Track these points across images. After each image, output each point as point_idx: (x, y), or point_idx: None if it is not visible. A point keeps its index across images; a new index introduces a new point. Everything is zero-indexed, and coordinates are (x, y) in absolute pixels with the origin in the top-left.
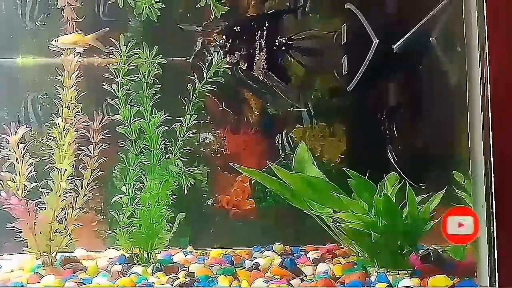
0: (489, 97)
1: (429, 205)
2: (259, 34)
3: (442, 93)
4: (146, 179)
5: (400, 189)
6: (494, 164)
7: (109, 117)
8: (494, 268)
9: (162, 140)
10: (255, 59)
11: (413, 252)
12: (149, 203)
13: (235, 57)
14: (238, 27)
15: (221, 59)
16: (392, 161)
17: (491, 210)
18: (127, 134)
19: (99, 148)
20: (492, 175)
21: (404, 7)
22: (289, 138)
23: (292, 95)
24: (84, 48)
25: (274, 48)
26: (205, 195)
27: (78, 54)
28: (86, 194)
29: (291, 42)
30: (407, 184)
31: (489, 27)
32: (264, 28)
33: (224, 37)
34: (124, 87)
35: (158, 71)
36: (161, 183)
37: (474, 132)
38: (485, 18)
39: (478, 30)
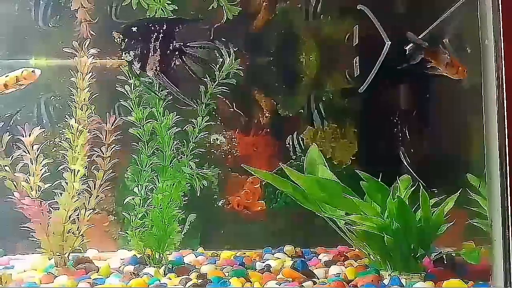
0: (504, 97)
1: (443, 208)
2: (154, 37)
3: (457, 94)
4: (158, 180)
5: (413, 191)
6: (510, 166)
7: (121, 118)
8: (509, 271)
9: (174, 142)
10: (148, 60)
11: (427, 255)
12: (161, 204)
13: (129, 55)
14: (136, 27)
15: (233, 60)
16: (406, 164)
17: (506, 213)
18: (140, 135)
19: (111, 149)
20: (508, 178)
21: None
22: (300, 140)
23: (183, 98)
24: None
25: (168, 52)
26: (216, 197)
27: (91, 56)
28: (98, 195)
29: (186, 49)
30: (421, 187)
31: (504, 28)
32: (161, 31)
33: (121, 35)
34: (136, 88)
35: None
36: (173, 184)
37: (490, 134)
38: (501, 18)
39: (493, 30)
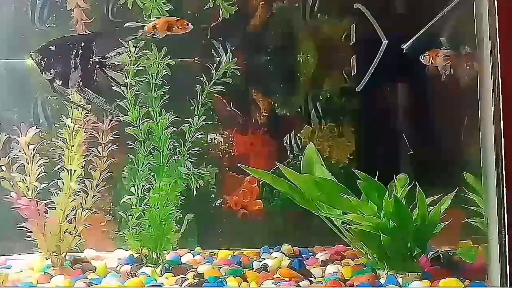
0: (500, 96)
1: (440, 207)
2: (74, 53)
3: (453, 93)
4: (155, 180)
5: (410, 190)
6: (506, 164)
7: (118, 118)
8: (506, 270)
9: (170, 141)
10: (71, 76)
11: (423, 254)
12: (158, 204)
13: (50, 74)
14: (54, 46)
15: (229, 59)
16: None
17: (502, 211)
18: (136, 135)
19: (108, 149)
20: (504, 175)
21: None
22: (297, 139)
23: (107, 107)
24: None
25: (89, 66)
26: (213, 196)
27: None
28: (95, 195)
29: (104, 61)
30: (417, 186)
31: (501, 27)
32: (80, 47)
33: (39, 55)
34: (133, 88)
35: (166, 72)
36: (170, 184)
37: (486, 132)
38: (497, 17)
39: (489, 29)
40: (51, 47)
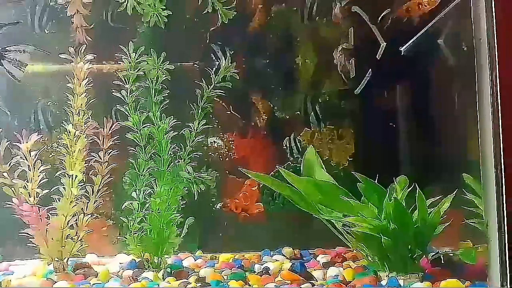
0: (499, 97)
1: (440, 208)
2: None
3: (451, 94)
4: (156, 185)
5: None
6: (505, 166)
7: (118, 123)
8: (506, 270)
9: (171, 146)
10: None
11: (424, 256)
12: (159, 209)
13: None
14: None
15: (228, 63)
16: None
17: (502, 212)
18: (137, 140)
19: (109, 154)
20: (503, 177)
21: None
22: (297, 141)
23: None
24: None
25: None
26: (214, 200)
27: (88, 62)
28: (96, 200)
29: (4, 53)
30: (417, 188)
31: (498, 27)
32: None
33: None
34: (133, 93)
35: (166, 77)
36: (171, 188)
37: (485, 134)
38: (494, 16)
39: (487, 30)
40: None
